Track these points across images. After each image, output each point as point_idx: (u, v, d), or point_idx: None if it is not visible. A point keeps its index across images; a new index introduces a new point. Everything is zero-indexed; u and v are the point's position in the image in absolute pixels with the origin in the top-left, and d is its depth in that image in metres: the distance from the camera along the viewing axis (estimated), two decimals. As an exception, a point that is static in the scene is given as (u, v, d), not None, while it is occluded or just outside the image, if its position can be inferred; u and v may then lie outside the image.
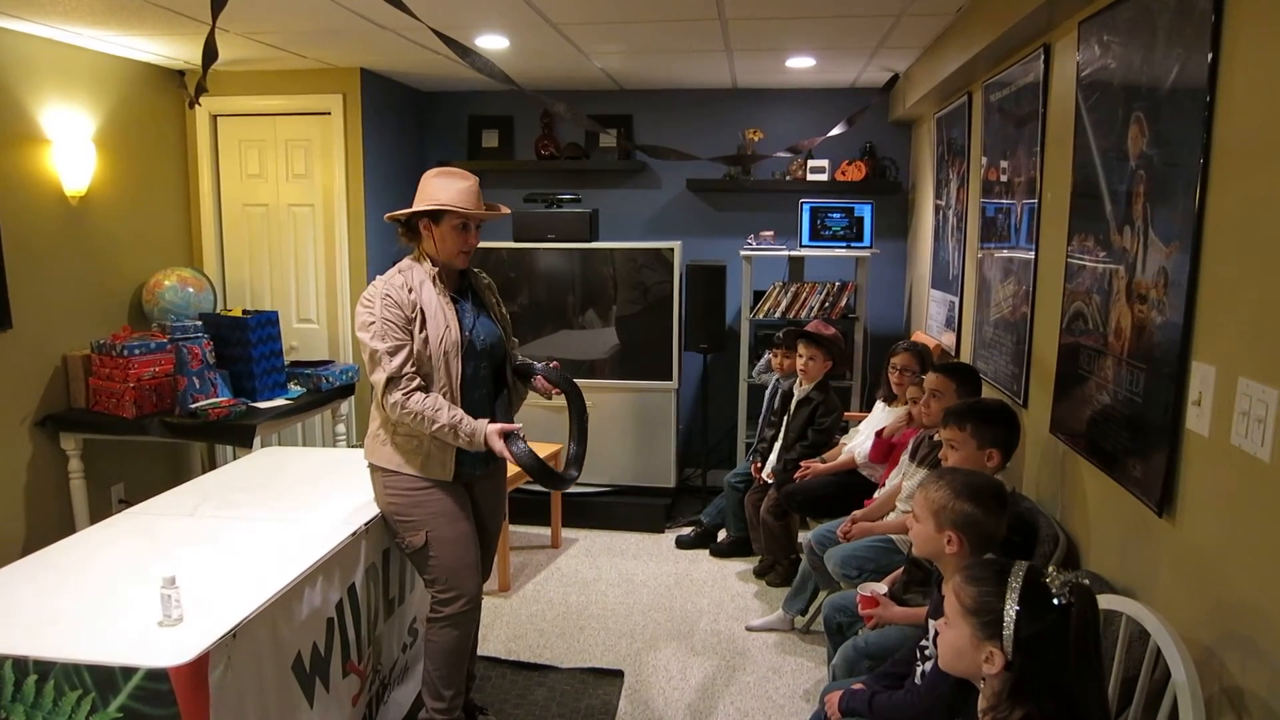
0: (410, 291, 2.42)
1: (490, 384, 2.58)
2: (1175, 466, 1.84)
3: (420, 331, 2.41)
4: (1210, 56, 1.71)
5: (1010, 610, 1.37)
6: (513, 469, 2.83)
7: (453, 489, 2.53)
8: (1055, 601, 1.38)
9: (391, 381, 2.36)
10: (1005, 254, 3.16)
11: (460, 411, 2.42)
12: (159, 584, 1.90)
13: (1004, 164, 3.21)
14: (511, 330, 2.73)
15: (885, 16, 3.34)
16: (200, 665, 1.77)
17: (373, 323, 2.38)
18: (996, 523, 1.88)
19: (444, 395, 2.43)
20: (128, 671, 1.74)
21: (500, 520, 2.89)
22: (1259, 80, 1.58)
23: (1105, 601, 1.87)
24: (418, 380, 2.40)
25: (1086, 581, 1.42)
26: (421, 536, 2.50)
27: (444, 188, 2.45)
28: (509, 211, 2.62)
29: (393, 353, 2.36)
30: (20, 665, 1.77)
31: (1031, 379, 2.85)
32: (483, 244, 5.57)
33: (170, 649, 1.78)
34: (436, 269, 2.49)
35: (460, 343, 2.46)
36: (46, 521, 3.84)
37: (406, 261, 2.52)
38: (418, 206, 2.45)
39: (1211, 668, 1.68)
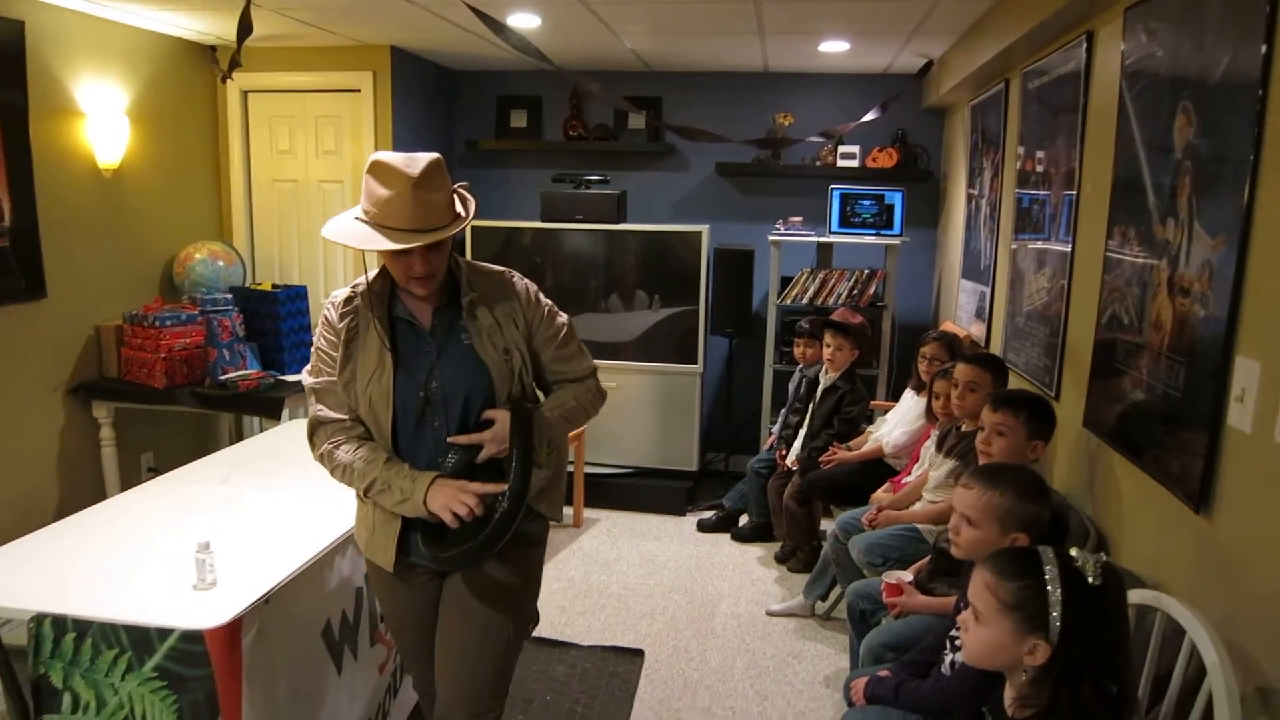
0: (352, 311, 1.83)
1: (445, 445, 1.82)
2: (1214, 463, 1.81)
3: (346, 366, 1.81)
4: (1264, 49, 1.67)
5: (1055, 600, 1.36)
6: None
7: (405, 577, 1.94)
8: (1090, 583, 1.38)
9: (320, 427, 1.83)
10: (1040, 245, 3.12)
11: (400, 464, 1.80)
12: (193, 549, 1.93)
13: (1040, 154, 3.16)
14: (531, 363, 1.90)
15: (922, 0, 3.30)
16: (234, 629, 1.80)
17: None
18: (1047, 514, 1.90)
19: None
20: (163, 632, 1.78)
21: (484, 617, 1.90)
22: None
23: (1138, 597, 1.86)
24: (359, 427, 1.84)
25: (1107, 558, 1.42)
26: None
27: (369, 197, 1.70)
28: (466, 225, 1.76)
29: (319, 391, 1.84)
30: (59, 623, 1.80)
31: (1065, 372, 2.82)
32: (507, 224, 5.45)
33: (205, 612, 1.81)
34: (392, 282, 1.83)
35: (392, 391, 1.80)
36: (78, 488, 3.90)
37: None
38: (332, 226, 1.75)
39: (1245, 668, 1.66)
